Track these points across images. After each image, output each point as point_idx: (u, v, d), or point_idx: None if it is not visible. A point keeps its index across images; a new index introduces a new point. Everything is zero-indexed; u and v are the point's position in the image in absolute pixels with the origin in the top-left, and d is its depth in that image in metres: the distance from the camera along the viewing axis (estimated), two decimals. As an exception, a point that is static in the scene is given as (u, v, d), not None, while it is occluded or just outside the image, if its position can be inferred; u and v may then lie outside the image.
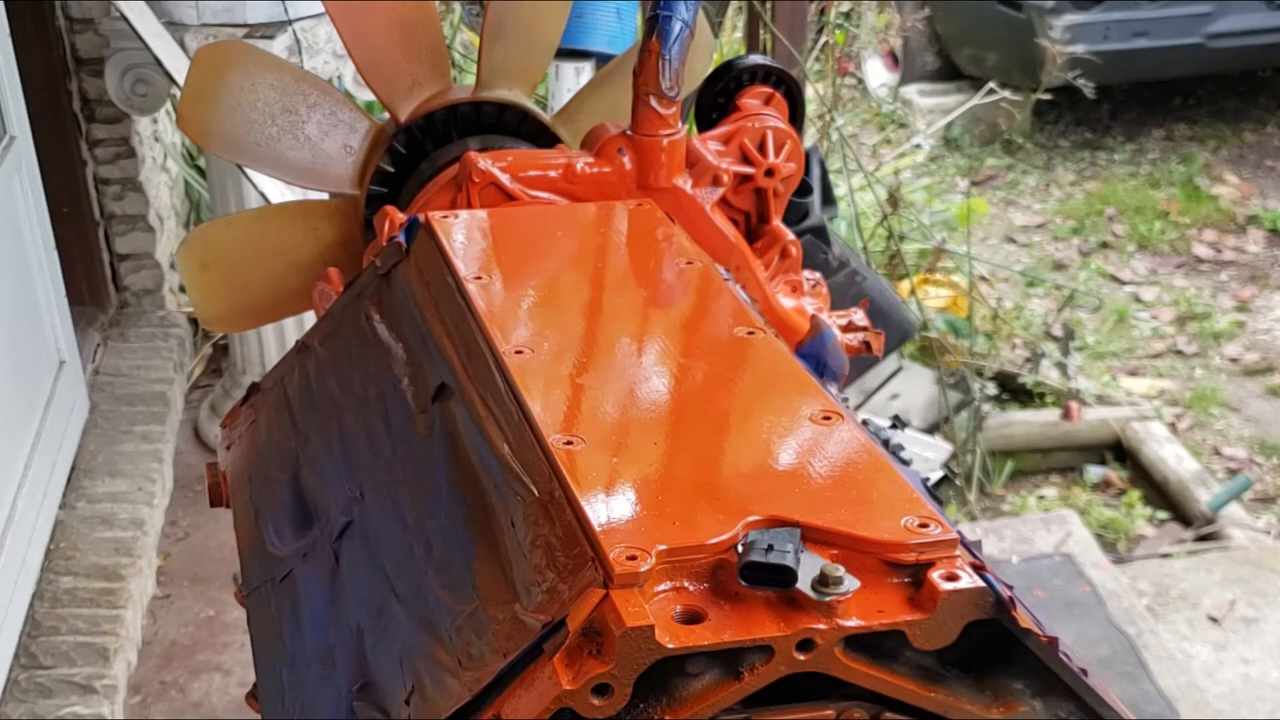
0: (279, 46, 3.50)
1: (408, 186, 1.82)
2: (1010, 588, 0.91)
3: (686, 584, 0.90)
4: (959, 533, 0.94)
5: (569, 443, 1.03)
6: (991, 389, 4.52)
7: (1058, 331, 4.94)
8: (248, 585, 1.39)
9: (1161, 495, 4.23)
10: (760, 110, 1.77)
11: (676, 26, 1.58)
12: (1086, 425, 4.49)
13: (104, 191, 4.31)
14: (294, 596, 1.27)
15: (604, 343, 1.24)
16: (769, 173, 1.72)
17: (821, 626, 0.87)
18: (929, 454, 4.20)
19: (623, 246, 1.47)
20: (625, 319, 1.29)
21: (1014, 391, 4.66)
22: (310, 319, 1.67)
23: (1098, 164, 6.69)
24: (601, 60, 3.89)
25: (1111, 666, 3.24)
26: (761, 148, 1.72)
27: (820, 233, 3.89)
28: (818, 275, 1.82)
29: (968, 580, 0.89)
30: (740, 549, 0.91)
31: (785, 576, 0.88)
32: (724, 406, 1.13)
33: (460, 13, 4.99)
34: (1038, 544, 3.77)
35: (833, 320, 1.68)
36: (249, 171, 3.01)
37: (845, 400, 1.32)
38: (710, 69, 1.86)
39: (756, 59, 1.85)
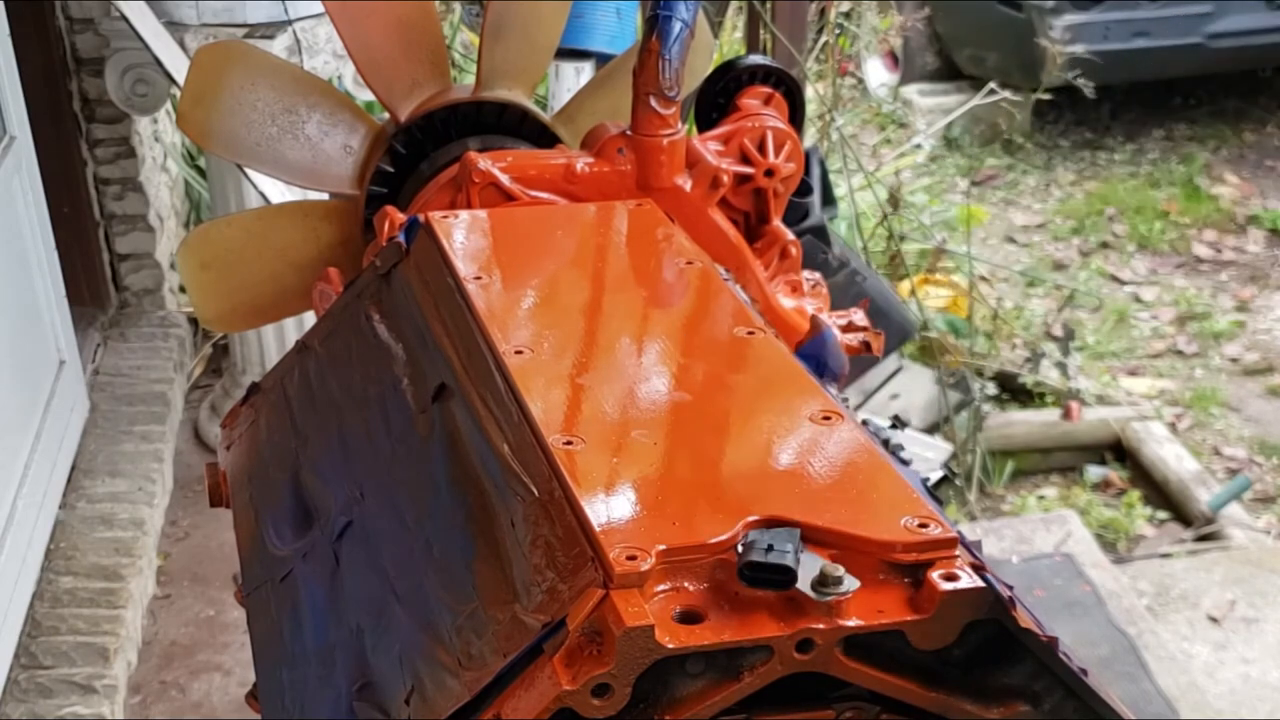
0: (279, 46, 3.49)
1: (408, 186, 1.82)
2: (1010, 588, 0.91)
3: (686, 584, 0.90)
4: (959, 533, 0.94)
5: (569, 443, 1.03)
6: (991, 389, 4.51)
7: (1058, 331, 4.94)
8: (248, 585, 1.39)
9: (1161, 495, 4.23)
10: (760, 110, 1.77)
11: (676, 26, 1.58)
12: (1086, 425, 4.49)
13: (104, 191, 4.31)
14: (294, 596, 1.28)
15: (604, 343, 1.24)
16: (769, 173, 1.72)
17: (821, 626, 0.87)
18: (929, 454, 4.20)
19: (623, 246, 1.47)
20: (625, 319, 1.29)
21: (1014, 391, 4.66)
22: (310, 319, 1.67)
23: (1098, 164, 6.69)
24: (601, 60, 3.89)
25: (1111, 666, 3.24)
26: (761, 148, 1.72)
27: (820, 233, 3.89)
28: (818, 275, 1.82)
29: (967, 580, 0.89)
30: (740, 549, 0.91)
31: (785, 576, 0.88)
32: (724, 406, 1.13)
33: (460, 13, 4.99)
34: (1038, 544, 3.77)
35: (833, 320, 1.68)
36: (249, 171, 3.01)
37: (845, 400, 1.32)
38: (710, 69, 1.86)
39: (756, 59, 1.85)
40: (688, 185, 1.66)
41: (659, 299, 1.35)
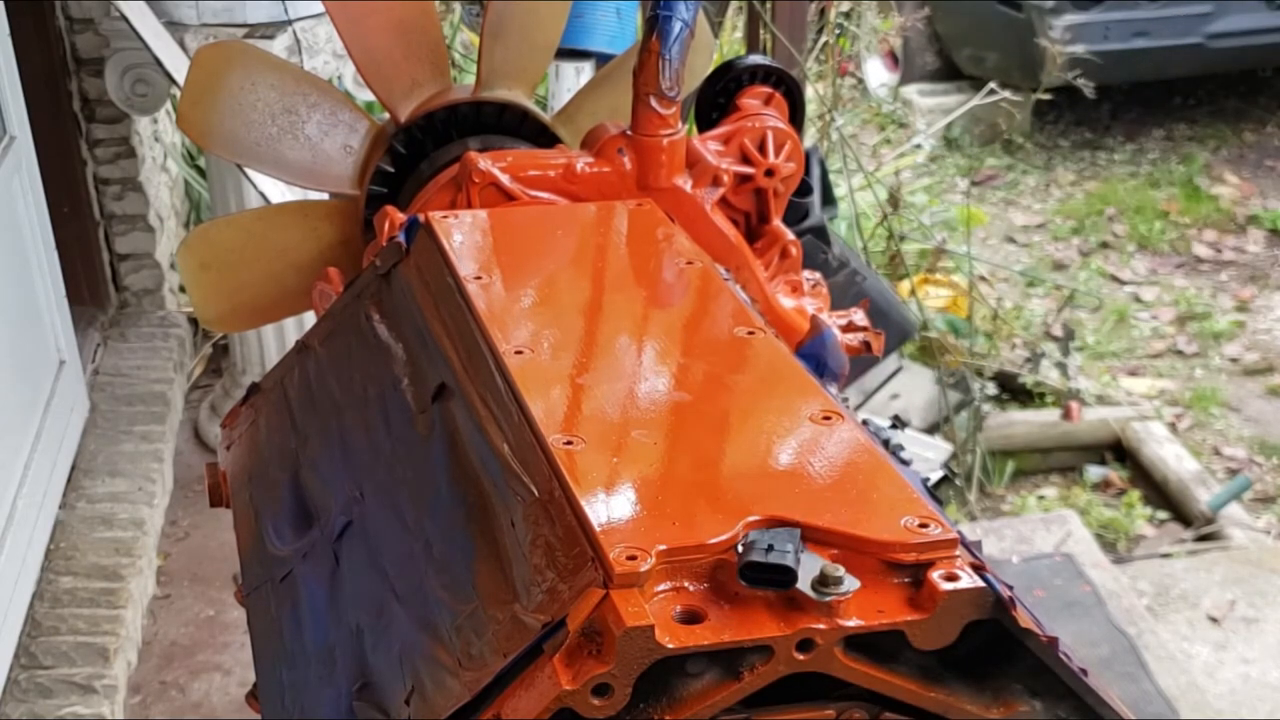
0: (279, 46, 3.49)
1: (408, 186, 1.82)
2: (1010, 588, 0.91)
3: (686, 584, 0.90)
4: (959, 533, 0.94)
5: (569, 443, 1.03)
6: (991, 389, 4.51)
7: (1058, 331, 4.93)
8: (248, 585, 1.39)
9: (1161, 495, 4.23)
10: (760, 110, 1.77)
11: (676, 26, 1.58)
12: (1086, 425, 4.49)
13: (104, 191, 4.31)
14: (294, 596, 1.28)
15: (604, 343, 1.24)
16: (769, 173, 1.72)
17: (821, 626, 0.87)
18: (929, 454, 4.20)
19: (623, 246, 1.47)
20: (625, 319, 1.29)
21: (1014, 391, 4.66)
22: (310, 319, 1.67)
23: (1098, 164, 6.69)
24: (601, 60, 3.89)
25: (1111, 666, 3.24)
26: (761, 148, 1.72)
27: (820, 233, 3.88)
28: (818, 275, 1.82)
29: (968, 580, 0.89)
30: (740, 549, 0.91)
31: (785, 576, 0.88)
32: (724, 406, 1.13)
33: (460, 13, 4.99)
34: (1038, 544, 3.77)
35: (833, 320, 1.68)
36: (249, 171, 3.01)
37: (845, 400, 1.32)
38: (710, 69, 1.86)
39: (756, 59, 1.85)
40: (688, 185, 1.66)
41: (659, 299, 1.35)
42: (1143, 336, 5.20)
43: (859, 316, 1.75)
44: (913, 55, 7.04)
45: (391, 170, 1.83)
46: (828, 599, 0.87)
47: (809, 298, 1.77)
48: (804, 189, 1.87)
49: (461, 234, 1.43)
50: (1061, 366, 4.70)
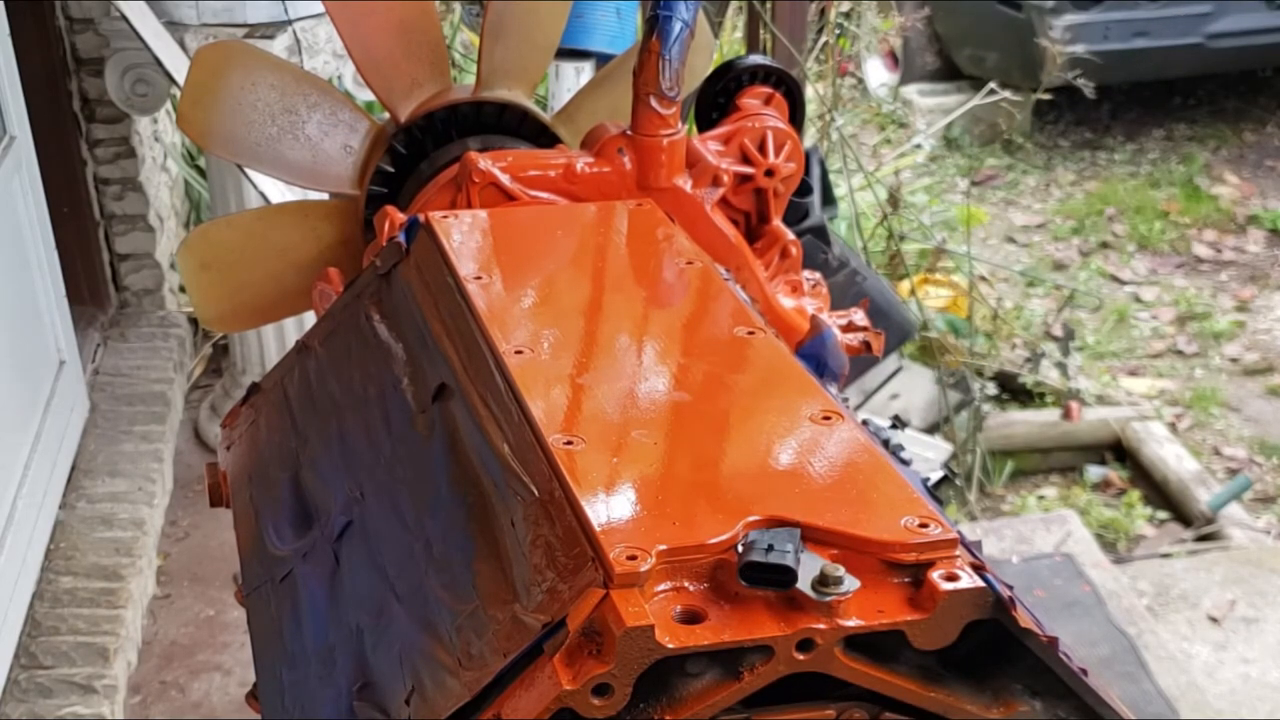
0: (279, 46, 3.50)
1: (408, 186, 1.82)
2: (1010, 588, 0.91)
3: (686, 584, 0.90)
4: (959, 533, 0.94)
5: (569, 443, 1.03)
6: (991, 389, 4.51)
7: (1058, 331, 4.94)
8: (248, 585, 1.39)
9: (1161, 495, 4.23)
10: (760, 110, 1.77)
11: (676, 26, 1.58)
12: (1086, 425, 4.49)
13: (104, 191, 4.31)
14: (294, 596, 1.28)
15: (604, 343, 1.24)
16: (769, 173, 1.72)
17: (821, 626, 0.87)
18: (929, 454, 4.20)
19: (623, 246, 1.47)
20: (625, 319, 1.29)
21: (1014, 391, 4.66)
22: (310, 319, 1.67)
23: (1098, 164, 6.69)
24: (601, 60, 3.89)
25: (1111, 666, 3.24)
26: (761, 148, 1.72)
27: (820, 233, 3.88)
28: (818, 275, 1.82)
29: (968, 580, 0.89)
30: (740, 549, 0.91)
31: (785, 576, 0.88)
32: (724, 406, 1.13)
33: (460, 13, 4.99)
34: (1038, 544, 3.77)
35: (833, 320, 1.68)
36: (249, 171, 3.01)
37: (845, 400, 1.32)
38: (710, 69, 1.86)
39: (756, 59, 1.85)
40: (688, 185, 1.66)
41: (659, 299, 1.35)
42: (1143, 336, 5.20)
43: (859, 316, 1.75)
44: (913, 55, 7.04)
45: (391, 170, 1.83)
46: (828, 599, 0.87)
47: (809, 298, 1.77)
48: (804, 189, 1.87)
49: (461, 234, 1.43)
50: (1061, 366, 4.70)
